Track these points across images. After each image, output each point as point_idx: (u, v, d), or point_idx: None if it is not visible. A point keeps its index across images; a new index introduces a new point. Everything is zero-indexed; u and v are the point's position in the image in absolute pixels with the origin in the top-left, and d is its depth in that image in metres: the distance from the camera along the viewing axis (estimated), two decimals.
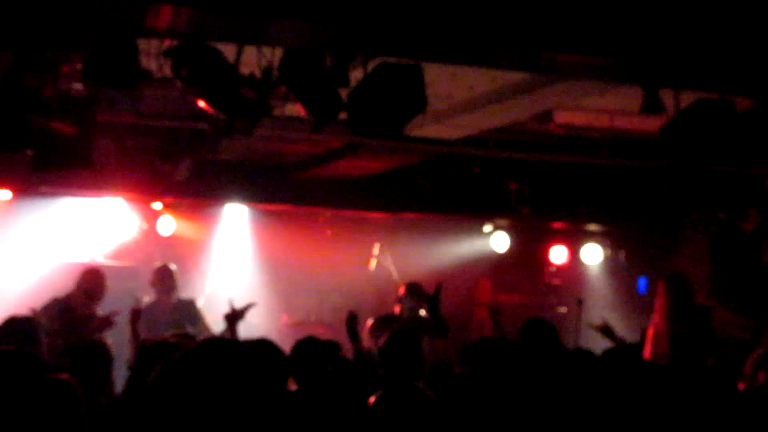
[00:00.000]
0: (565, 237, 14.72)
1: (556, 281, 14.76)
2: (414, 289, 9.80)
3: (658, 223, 13.27)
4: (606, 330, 9.03)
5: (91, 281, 9.76)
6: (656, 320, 9.95)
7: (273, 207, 13.10)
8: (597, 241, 14.79)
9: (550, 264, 14.83)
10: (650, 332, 9.89)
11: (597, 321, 9.54)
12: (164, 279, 10.36)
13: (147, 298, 10.13)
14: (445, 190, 11.81)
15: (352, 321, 8.33)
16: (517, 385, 5.28)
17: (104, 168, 10.59)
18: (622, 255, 14.95)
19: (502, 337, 6.99)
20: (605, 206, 12.48)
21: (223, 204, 13.03)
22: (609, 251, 14.92)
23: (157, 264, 10.70)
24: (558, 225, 14.15)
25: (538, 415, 5.06)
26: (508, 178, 12.01)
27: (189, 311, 10.20)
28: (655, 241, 14.40)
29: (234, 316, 8.15)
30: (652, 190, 11.62)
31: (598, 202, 12.42)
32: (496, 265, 14.49)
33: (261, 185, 12.23)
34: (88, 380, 4.81)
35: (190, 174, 10.70)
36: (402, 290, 9.94)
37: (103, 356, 6.25)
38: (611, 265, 14.92)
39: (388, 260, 13.69)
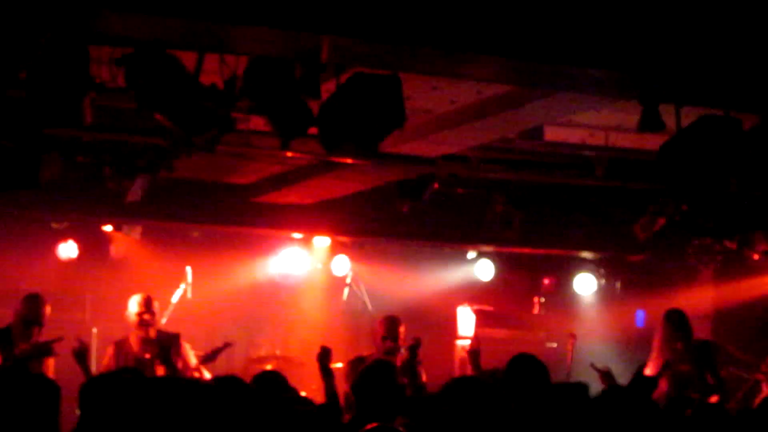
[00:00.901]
0: (555, 265, 14.73)
1: (545, 313, 14.75)
2: (392, 328, 9.84)
3: (657, 250, 13.31)
4: (607, 376, 9.08)
5: (30, 308, 9.71)
6: (654, 357, 10.05)
7: (236, 230, 13.07)
8: (590, 270, 14.81)
9: (539, 295, 14.84)
10: (647, 370, 9.98)
11: (595, 359, 9.59)
12: (146, 308, 10.13)
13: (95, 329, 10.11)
14: (424, 213, 11.80)
15: (325, 357, 8.34)
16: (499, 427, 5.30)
17: (50, 186, 10.56)
18: (617, 285, 14.98)
19: (476, 378, 6.97)
20: (600, 232, 12.50)
21: (181, 226, 12.98)
22: (603, 281, 14.94)
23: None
24: (548, 252, 14.16)
25: None
26: (494, 200, 12.01)
27: (172, 345, 9.98)
28: (653, 271, 14.44)
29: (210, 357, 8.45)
30: (652, 213, 11.65)
31: (591, 227, 12.43)
32: (480, 294, 14.48)
33: (222, 207, 12.19)
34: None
35: (144, 194, 10.64)
36: (380, 328, 9.94)
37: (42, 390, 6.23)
38: (606, 297, 14.93)
39: (361, 289, 13.66)
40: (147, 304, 10.19)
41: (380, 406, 6.57)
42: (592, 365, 9.31)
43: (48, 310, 9.74)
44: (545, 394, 6.89)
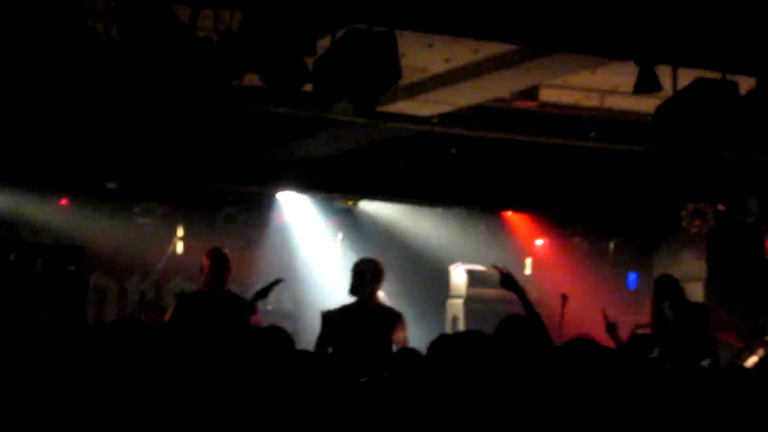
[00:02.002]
0: (548, 226, 14.72)
1: (537, 274, 14.75)
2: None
3: (650, 213, 13.32)
4: (611, 327, 9.07)
5: (20, 260, 9.73)
6: (649, 320, 10.06)
7: (229, 187, 13.05)
8: (583, 232, 14.80)
9: (531, 255, 14.83)
10: (641, 333, 9.98)
11: (586, 321, 9.58)
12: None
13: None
14: (418, 172, 11.79)
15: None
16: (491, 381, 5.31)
17: (44, 140, 10.56)
18: (610, 247, 14.97)
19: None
20: (593, 194, 12.50)
21: (176, 183, 12.96)
22: (596, 243, 14.93)
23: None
24: (541, 213, 14.16)
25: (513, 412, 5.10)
26: (488, 160, 12.00)
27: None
28: (646, 233, 14.45)
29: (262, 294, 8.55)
30: (645, 176, 11.65)
31: (585, 189, 12.43)
32: (472, 254, 14.47)
33: (214, 163, 12.16)
34: None
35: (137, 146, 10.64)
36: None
37: None
38: (598, 259, 14.93)
39: (350, 247, 13.67)
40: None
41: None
42: (603, 311, 9.28)
43: (39, 264, 9.76)
44: (534, 355, 6.91)
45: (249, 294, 9.39)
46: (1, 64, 6.52)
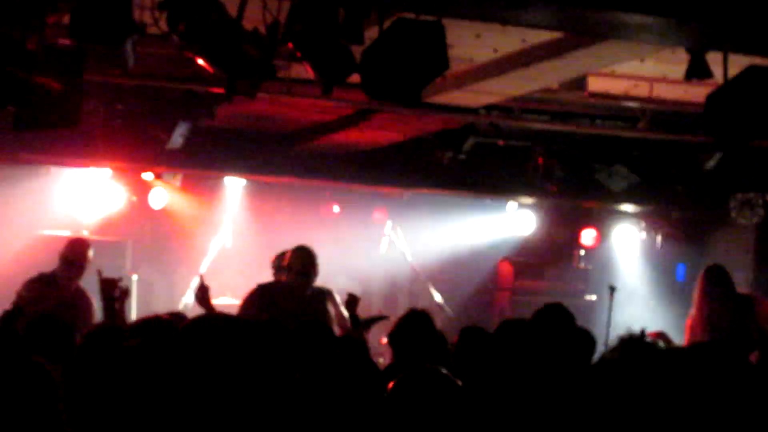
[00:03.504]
0: (596, 218, 14.66)
1: (585, 266, 14.71)
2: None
3: (699, 204, 13.21)
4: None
5: (73, 250, 9.75)
6: (694, 312, 9.96)
7: (275, 180, 13.08)
8: (631, 223, 14.73)
9: (579, 247, 14.78)
10: (688, 324, 9.90)
11: (634, 313, 9.52)
12: (303, 260, 9.45)
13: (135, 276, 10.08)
14: (465, 164, 11.75)
15: (352, 304, 8.44)
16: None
17: (91, 134, 10.61)
18: (659, 239, 14.89)
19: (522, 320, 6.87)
20: (642, 184, 12.40)
21: (220, 176, 13.01)
22: (644, 234, 14.87)
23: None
24: (589, 204, 14.09)
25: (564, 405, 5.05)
26: (535, 151, 11.94)
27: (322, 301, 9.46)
28: (695, 224, 14.35)
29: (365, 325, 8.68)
30: (694, 167, 11.56)
31: (633, 180, 12.33)
32: (520, 247, 14.45)
33: (262, 156, 12.18)
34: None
35: (184, 142, 10.65)
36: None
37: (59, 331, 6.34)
38: (647, 250, 14.86)
39: (401, 240, 13.65)
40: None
41: (418, 355, 6.56)
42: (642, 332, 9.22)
43: (90, 253, 9.76)
44: (571, 342, 6.87)
45: None
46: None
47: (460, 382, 4.57)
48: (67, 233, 11.87)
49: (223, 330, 3.61)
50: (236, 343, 3.60)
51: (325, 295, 9.50)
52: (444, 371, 4.52)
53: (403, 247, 13.51)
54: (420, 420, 4.29)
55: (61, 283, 9.56)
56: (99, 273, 8.10)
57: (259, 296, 9.30)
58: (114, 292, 7.86)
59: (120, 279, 8.12)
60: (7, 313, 7.61)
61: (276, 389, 4.02)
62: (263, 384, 3.82)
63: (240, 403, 3.76)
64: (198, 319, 3.88)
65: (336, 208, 14.01)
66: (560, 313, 7.17)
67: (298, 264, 9.35)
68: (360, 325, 8.57)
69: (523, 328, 6.22)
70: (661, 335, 8.99)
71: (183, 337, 3.58)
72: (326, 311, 9.28)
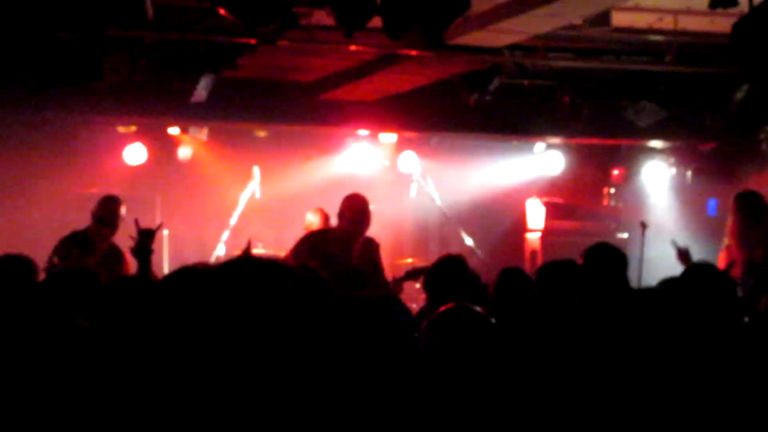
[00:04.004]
0: (625, 155, 14.59)
1: (616, 204, 14.66)
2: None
3: (729, 137, 13.13)
4: (686, 255, 8.88)
5: (105, 209, 9.77)
6: (728, 243, 9.86)
7: (300, 129, 13.07)
8: (661, 159, 14.66)
9: (608, 185, 14.73)
10: (722, 256, 9.81)
11: (666, 249, 9.44)
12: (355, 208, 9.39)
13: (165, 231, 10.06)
14: (491, 106, 11.70)
15: None
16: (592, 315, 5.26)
17: (115, 90, 10.63)
18: (689, 174, 14.82)
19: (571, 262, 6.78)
20: (670, 119, 12.32)
21: (245, 127, 13.00)
22: (674, 170, 14.79)
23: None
24: (617, 141, 14.03)
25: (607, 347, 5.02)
26: (561, 90, 11.88)
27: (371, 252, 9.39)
28: (725, 158, 14.26)
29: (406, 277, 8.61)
30: (723, 100, 11.46)
31: (661, 115, 12.25)
32: (549, 187, 14.41)
33: (287, 105, 12.17)
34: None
35: (209, 94, 10.64)
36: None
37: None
38: (677, 186, 14.79)
39: (429, 185, 13.61)
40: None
41: (453, 299, 6.56)
42: (673, 242, 9.09)
43: (123, 210, 9.79)
44: (624, 282, 6.84)
45: None
46: None
47: (494, 321, 4.57)
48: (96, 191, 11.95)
49: (258, 273, 3.62)
50: (270, 286, 3.62)
51: (374, 246, 9.48)
52: (478, 309, 4.52)
53: (432, 192, 13.48)
54: (454, 356, 4.29)
55: (95, 241, 9.60)
56: (136, 222, 8.07)
57: (309, 244, 9.28)
58: (150, 244, 7.82)
59: (159, 227, 8.11)
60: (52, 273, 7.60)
61: (307, 338, 4.03)
62: (293, 330, 3.83)
63: (273, 350, 3.76)
64: (232, 262, 3.90)
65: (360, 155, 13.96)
66: (611, 253, 7.09)
67: (350, 212, 9.33)
68: (400, 279, 8.52)
69: (572, 269, 6.15)
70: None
71: (215, 278, 3.59)
72: (374, 262, 9.26)
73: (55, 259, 9.20)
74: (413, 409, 4.07)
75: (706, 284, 5.71)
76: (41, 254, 9.17)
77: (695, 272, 6.21)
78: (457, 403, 4.21)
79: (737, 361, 4.95)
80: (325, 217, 11.31)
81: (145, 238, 7.80)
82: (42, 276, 6.96)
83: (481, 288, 6.82)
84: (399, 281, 8.98)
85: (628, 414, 4.48)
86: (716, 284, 5.81)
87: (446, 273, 6.86)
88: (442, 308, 4.55)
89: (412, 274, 8.90)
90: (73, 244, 9.51)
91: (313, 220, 11.41)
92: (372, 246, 9.34)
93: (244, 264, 3.94)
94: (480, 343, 4.35)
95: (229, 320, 3.70)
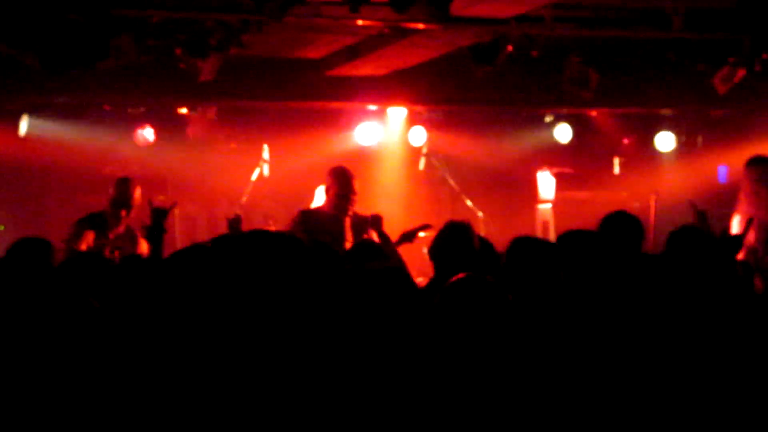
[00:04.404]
0: (634, 123, 14.57)
1: (626, 173, 14.65)
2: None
3: (738, 103, 13.09)
4: (702, 217, 8.76)
5: (120, 191, 9.81)
6: (744, 208, 9.81)
7: (309, 106, 13.08)
8: (670, 127, 14.63)
9: (619, 154, 14.71)
10: (733, 220, 9.77)
11: (677, 217, 9.40)
12: (341, 183, 9.47)
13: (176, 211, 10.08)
14: (499, 77, 11.67)
15: (377, 224, 8.43)
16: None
17: (123, 71, 10.63)
18: (699, 141, 14.79)
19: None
20: (679, 87, 12.30)
21: (254, 105, 13.01)
22: (684, 137, 14.76)
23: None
24: (626, 110, 14.00)
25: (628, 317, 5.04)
26: (569, 60, 11.84)
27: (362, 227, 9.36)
28: (735, 125, 14.23)
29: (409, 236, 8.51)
30: (731, 65, 11.42)
31: (670, 83, 12.23)
32: (560, 157, 14.40)
33: (295, 82, 12.18)
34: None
35: (216, 73, 10.64)
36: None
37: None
38: (687, 153, 14.77)
39: (439, 159, 13.62)
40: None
41: (459, 268, 6.56)
42: (690, 202, 8.99)
43: (138, 193, 9.83)
44: (640, 250, 6.84)
45: None
46: None
47: (508, 293, 4.57)
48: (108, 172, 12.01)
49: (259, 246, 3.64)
50: (272, 258, 3.64)
51: (365, 221, 9.49)
52: (490, 279, 4.53)
53: (441, 167, 13.49)
54: (467, 326, 4.30)
55: (111, 223, 9.65)
56: (150, 203, 8.10)
57: (302, 222, 9.31)
58: (164, 223, 7.84)
59: (172, 207, 8.13)
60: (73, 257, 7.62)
61: (317, 310, 4.05)
62: (304, 302, 3.84)
63: (283, 322, 3.78)
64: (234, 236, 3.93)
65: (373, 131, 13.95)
66: (629, 221, 7.07)
67: (336, 186, 9.34)
68: (389, 243, 8.46)
69: (590, 238, 6.15)
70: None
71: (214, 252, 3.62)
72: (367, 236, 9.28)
73: (72, 243, 9.26)
74: (423, 377, 4.09)
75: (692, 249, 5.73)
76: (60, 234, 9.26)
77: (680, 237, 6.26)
78: (472, 374, 4.22)
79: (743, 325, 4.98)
80: None
81: (159, 218, 7.82)
82: (59, 257, 7.02)
83: (494, 256, 6.79)
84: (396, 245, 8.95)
85: (643, 383, 4.49)
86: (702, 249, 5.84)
87: (452, 241, 6.83)
88: (454, 278, 4.55)
89: (409, 235, 8.84)
90: (88, 226, 9.56)
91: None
92: (364, 221, 9.36)
93: (255, 238, 3.96)
94: (494, 314, 4.36)
95: (240, 292, 3.72)
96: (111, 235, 9.47)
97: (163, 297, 4.38)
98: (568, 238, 6.00)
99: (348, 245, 8.92)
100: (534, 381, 4.33)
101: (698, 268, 5.60)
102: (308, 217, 9.45)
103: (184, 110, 12.90)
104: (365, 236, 9.21)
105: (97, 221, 9.61)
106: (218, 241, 5.18)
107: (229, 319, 3.75)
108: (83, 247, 9.17)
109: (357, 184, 9.39)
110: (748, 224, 9.25)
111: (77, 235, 9.38)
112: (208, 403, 3.72)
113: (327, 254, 5.27)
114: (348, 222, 9.33)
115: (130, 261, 6.74)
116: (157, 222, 7.73)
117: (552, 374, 4.42)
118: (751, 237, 9.57)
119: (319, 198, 10.83)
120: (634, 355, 4.60)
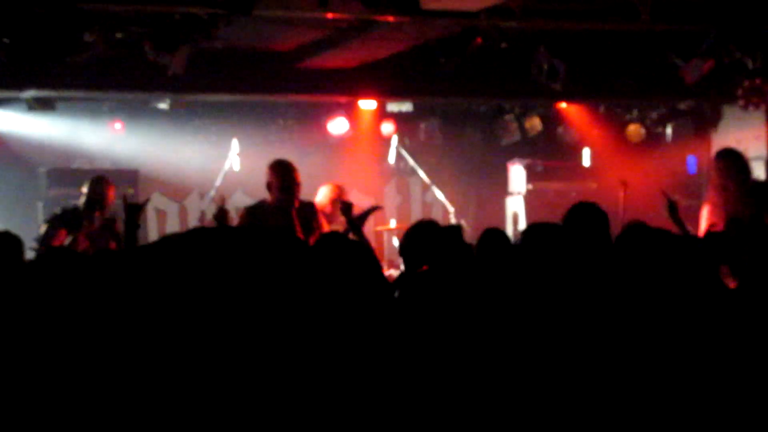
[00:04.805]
0: (604, 115, 14.63)
1: (595, 164, 14.71)
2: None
3: (706, 93, 13.17)
4: (672, 208, 8.79)
5: (94, 190, 9.83)
6: (712, 199, 9.87)
7: (280, 98, 13.08)
8: (639, 118, 14.69)
9: (587, 145, 14.77)
10: (703, 212, 9.84)
11: (647, 208, 9.46)
12: (282, 176, 9.41)
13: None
14: (469, 69, 11.71)
15: (347, 211, 8.45)
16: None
17: (93, 64, 10.61)
18: (668, 132, 14.86)
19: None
20: (647, 78, 12.36)
21: (225, 98, 13.01)
22: (653, 128, 14.83)
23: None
24: (595, 102, 14.07)
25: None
26: (539, 52, 11.88)
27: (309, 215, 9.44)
28: (704, 115, 14.32)
29: (359, 220, 8.33)
30: (699, 56, 11.48)
31: (639, 74, 12.29)
32: (529, 150, 14.45)
33: (265, 75, 12.17)
34: None
35: (186, 66, 10.62)
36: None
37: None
38: (656, 144, 14.84)
39: (409, 151, 13.66)
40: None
41: (428, 263, 6.60)
42: (664, 193, 9.01)
43: (112, 192, 9.86)
44: (606, 241, 6.87)
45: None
46: None
47: (469, 285, 4.61)
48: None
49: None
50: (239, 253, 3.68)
51: (312, 207, 9.53)
52: (454, 270, 4.57)
53: (410, 159, 13.53)
54: (428, 318, 4.33)
55: (85, 223, 9.64)
56: (124, 198, 8.13)
57: (248, 217, 9.33)
58: (138, 218, 7.87)
59: (146, 202, 8.15)
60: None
61: (283, 298, 4.08)
62: (269, 295, 3.87)
63: (246, 316, 3.80)
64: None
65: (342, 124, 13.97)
66: (592, 211, 7.12)
67: (278, 181, 9.34)
68: (358, 227, 8.47)
69: (555, 231, 6.18)
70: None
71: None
72: (315, 224, 9.31)
73: (45, 242, 9.26)
74: (389, 360, 4.12)
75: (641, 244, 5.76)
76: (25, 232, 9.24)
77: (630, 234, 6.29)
78: (435, 362, 4.25)
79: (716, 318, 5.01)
80: (339, 191, 10.83)
81: (133, 213, 7.86)
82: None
83: (466, 249, 6.85)
84: (346, 231, 8.92)
85: (610, 370, 4.52)
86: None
87: (418, 239, 6.91)
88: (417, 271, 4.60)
89: (361, 217, 8.81)
90: (61, 225, 9.56)
91: (329, 195, 10.94)
92: (310, 208, 9.41)
93: (227, 232, 3.98)
94: (456, 304, 4.40)
95: (211, 284, 3.75)
96: (84, 234, 9.46)
97: (134, 289, 4.40)
98: (532, 231, 6.04)
99: (299, 235, 8.90)
100: (497, 370, 4.36)
101: (652, 261, 5.61)
102: (253, 212, 9.44)
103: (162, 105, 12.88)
104: (314, 223, 9.26)
105: (70, 220, 9.60)
106: (189, 234, 5.19)
107: (201, 310, 3.78)
108: (54, 242, 9.18)
109: (299, 176, 9.38)
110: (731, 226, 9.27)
111: (50, 235, 9.38)
112: (182, 382, 3.74)
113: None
114: (294, 213, 9.31)
115: (104, 255, 6.74)
116: (132, 217, 7.77)
117: (516, 364, 4.45)
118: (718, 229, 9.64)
119: (322, 195, 10.69)
120: (597, 343, 4.63)
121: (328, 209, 10.17)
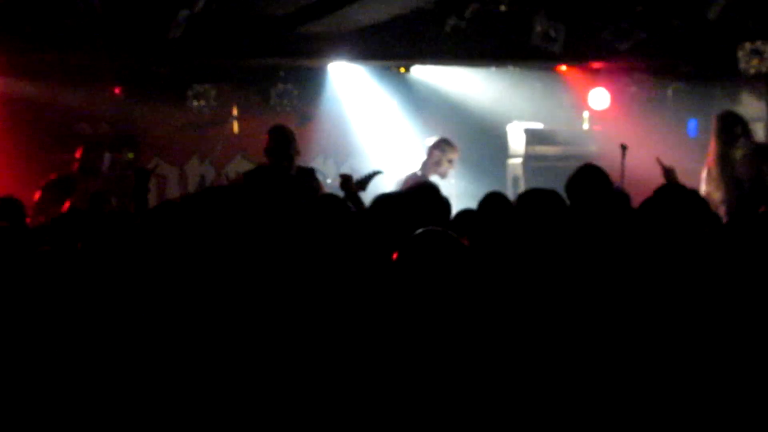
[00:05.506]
0: (604, 77, 14.59)
1: (596, 127, 14.69)
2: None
3: (707, 56, 13.14)
4: (669, 174, 8.83)
5: (88, 158, 9.84)
6: (710, 162, 9.90)
7: (279, 62, 13.07)
8: (640, 81, 14.65)
9: (587, 108, 14.73)
10: (703, 174, 9.86)
11: (648, 170, 9.46)
12: (281, 141, 9.49)
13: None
14: (467, 32, 11.70)
15: (347, 183, 8.45)
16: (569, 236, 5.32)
17: (89, 29, 10.60)
18: (669, 94, 14.84)
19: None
20: (648, 40, 12.33)
21: (223, 62, 13.00)
22: (654, 91, 14.79)
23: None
24: (595, 64, 14.03)
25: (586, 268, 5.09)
26: (538, 14, 11.86)
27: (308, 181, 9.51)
28: (705, 78, 14.28)
29: (360, 185, 8.45)
30: (699, 18, 11.46)
31: (639, 37, 12.26)
32: (529, 112, 14.42)
33: (265, 39, 12.14)
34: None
35: (184, 30, 10.61)
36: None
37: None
38: (658, 106, 14.81)
39: (408, 116, 13.67)
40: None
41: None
42: (658, 160, 9.04)
43: (106, 160, 9.88)
44: (608, 202, 6.91)
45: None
46: None
47: (467, 243, 4.63)
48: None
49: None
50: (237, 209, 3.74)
51: (311, 172, 9.54)
52: (450, 233, 4.58)
53: (410, 124, 13.55)
54: (427, 280, 4.34)
55: (78, 188, 9.65)
56: (132, 165, 8.18)
57: (246, 183, 9.35)
58: (147, 183, 7.92)
59: (154, 168, 8.19)
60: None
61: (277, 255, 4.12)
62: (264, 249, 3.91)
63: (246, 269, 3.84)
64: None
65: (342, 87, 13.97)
66: (596, 175, 7.15)
67: (275, 146, 9.37)
68: (358, 200, 8.50)
69: (550, 197, 6.21)
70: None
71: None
72: (315, 188, 9.32)
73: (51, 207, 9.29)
74: (385, 326, 4.15)
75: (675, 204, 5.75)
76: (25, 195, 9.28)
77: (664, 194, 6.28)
78: (432, 327, 4.27)
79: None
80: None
81: (142, 178, 7.92)
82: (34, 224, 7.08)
83: (467, 213, 6.89)
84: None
85: (609, 341, 4.54)
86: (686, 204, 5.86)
87: (419, 201, 6.92)
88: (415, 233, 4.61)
89: (362, 182, 8.84)
90: (57, 188, 9.57)
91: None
92: (309, 173, 9.43)
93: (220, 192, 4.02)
94: (452, 266, 4.41)
95: (210, 244, 3.80)
96: (76, 200, 9.49)
97: (142, 251, 4.47)
98: (529, 196, 6.08)
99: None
100: (494, 336, 4.38)
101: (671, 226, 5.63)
102: (251, 177, 9.47)
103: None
104: (312, 190, 9.28)
105: (65, 187, 9.62)
106: (188, 198, 5.25)
107: (201, 269, 3.83)
108: (52, 208, 9.20)
109: (297, 142, 9.41)
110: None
111: (45, 197, 9.39)
112: (182, 351, 3.79)
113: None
114: (292, 179, 9.33)
115: (116, 216, 6.78)
116: (141, 182, 7.85)
117: (512, 330, 4.47)
118: (717, 191, 9.66)
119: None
120: (593, 308, 4.65)
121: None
